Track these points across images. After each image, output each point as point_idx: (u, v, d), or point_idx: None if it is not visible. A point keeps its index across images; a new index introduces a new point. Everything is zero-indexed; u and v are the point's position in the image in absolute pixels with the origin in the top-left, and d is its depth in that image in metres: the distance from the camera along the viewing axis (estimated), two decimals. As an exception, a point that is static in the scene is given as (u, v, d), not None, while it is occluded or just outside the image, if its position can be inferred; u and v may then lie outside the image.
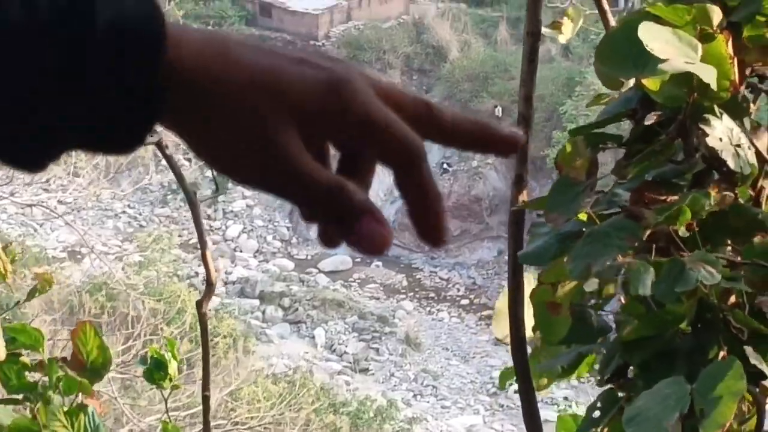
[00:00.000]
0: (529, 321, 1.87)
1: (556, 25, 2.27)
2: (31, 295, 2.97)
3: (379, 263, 27.23)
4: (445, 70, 29.76)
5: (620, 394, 1.70)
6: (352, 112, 0.68)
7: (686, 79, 1.57)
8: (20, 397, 2.56)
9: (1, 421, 2.52)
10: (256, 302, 25.55)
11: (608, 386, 1.73)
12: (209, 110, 0.68)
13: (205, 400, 3.03)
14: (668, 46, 1.48)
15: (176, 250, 24.91)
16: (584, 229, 1.61)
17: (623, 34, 1.53)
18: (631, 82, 1.68)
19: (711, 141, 1.60)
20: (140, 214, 28.13)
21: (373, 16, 31.06)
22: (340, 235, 0.70)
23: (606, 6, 2.16)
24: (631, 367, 1.69)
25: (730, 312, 1.59)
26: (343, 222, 0.69)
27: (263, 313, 25.26)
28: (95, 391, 2.61)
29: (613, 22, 2.07)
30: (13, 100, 0.64)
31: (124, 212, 28.08)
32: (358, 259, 26.81)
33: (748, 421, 1.64)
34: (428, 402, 23.21)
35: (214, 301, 21.51)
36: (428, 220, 0.71)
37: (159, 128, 0.69)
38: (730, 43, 1.61)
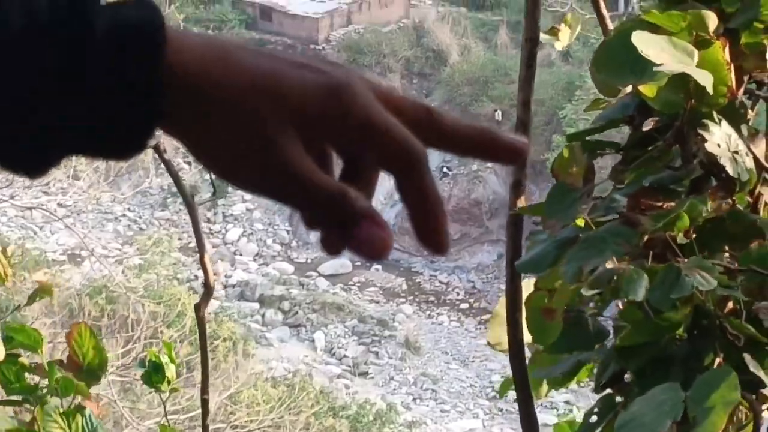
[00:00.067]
0: (527, 326, 1.87)
1: (553, 31, 2.27)
2: (31, 299, 2.97)
3: (379, 267, 27.20)
4: (445, 74, 29.75)
5: (618, 400, 1.70)
6: (353, 116, 0.68)
7: (683, 84, 1.57)
8: (20, 398, 2.56)
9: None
10: (256, 305, 25.54)
11: (606, 392, 1.73)
12: (210, 115, 0.67)
13: (204, 403, 3.03)
14: (664, 53, 1.48)
15: (176, 253, 24.90)
16: (581, 235, 1.61)
17: (619, 41, 1.53)
18: (629, 88, 1.68)
19: (709, 147, 1.60)
20: (140, 217, 28.12)
21: (373, 20, 31.05)
22: (341, 241, 0.70)
23: (604, 11, 2.16)
24: (628, 373, 1.69)
25: (727, 319, 1.59)
26: (344, 227, 0.69)
27: (263, 316, 25.24)
28: (94, 394, 2.60)
29: (611, 26, 2.07)
30: (12, 99, 0.64)
31: (124, 215, 28.06)
32: (358, 263, 26.79)
33: (745, 428, 1.64)
34: (428, 406, 23.18)
35: (214, 305, 21.50)
36: (429, 225, 0.71)
37: (158, 132, 0.69)
38: (727, 49, 1.61)
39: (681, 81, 1.55)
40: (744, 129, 1.70)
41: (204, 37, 0.69)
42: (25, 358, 2.59)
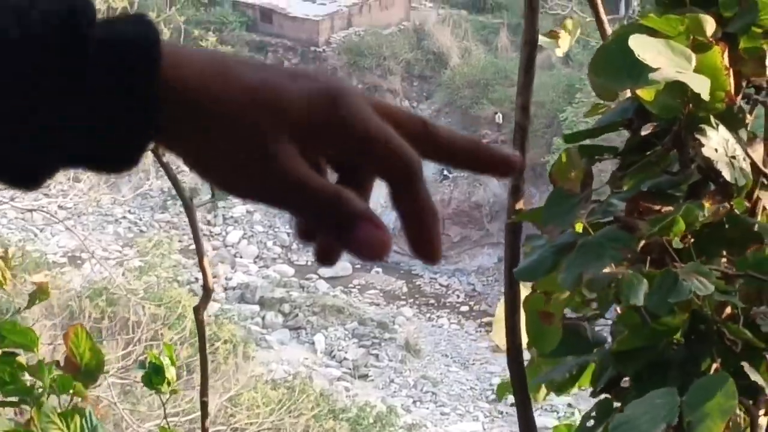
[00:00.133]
0: (525, 331, 1.87)
1: (553, 35, 2.27)
2: (31, 302, 2.97)
3: (379, 269, 27.21)
4: (446, 77, 29.74)
5: (615, 404, 1.70)
6: (353, 127, 0.69)
7: (681, 89, 1.57)
8: (16, 399, 2.55)
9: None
10: (256, 308, 25.53)
11: (603, 396, 1.73)
12: (210, 129, 0.68)
13: (203, 405, 3.03)
14: (661, 56, 1.48)
15: (176, 256, 24.90)
16: (579, 241, 1.61)
17: (617, 45, 1.53)
18: (628, 92, 1.68)
19: (707, 152, 1.61)
20: (140, 220, 28.13)
21: (373, 23, 31.04)
22: (339, 245, 0.71)
23: (603, 15, 2.17)
24: (626, 378, 1.69)
25: (724, 324, 1.59)
26: (342, 230, 0.70)
27: (263, 318, 25.24)
28: (94, 396, 2.60)
29: (610, 30, 2.07)
30: (6, 114, 0.64)
31: (124, 217, 28.07)
32: (358, 265, 26.78)
33: (743, 433, 1.64)
34: (428, 408, 23.18)
35: (214, 307, 21.51)
36: (423, 235, 0.72)
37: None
38: (726, 54, 1.61)
39: (679, 86, 1.55)
40: (742, 133, 1.70)
41: (203, 52, 0.70)
42: (23, 359, 2.58)
